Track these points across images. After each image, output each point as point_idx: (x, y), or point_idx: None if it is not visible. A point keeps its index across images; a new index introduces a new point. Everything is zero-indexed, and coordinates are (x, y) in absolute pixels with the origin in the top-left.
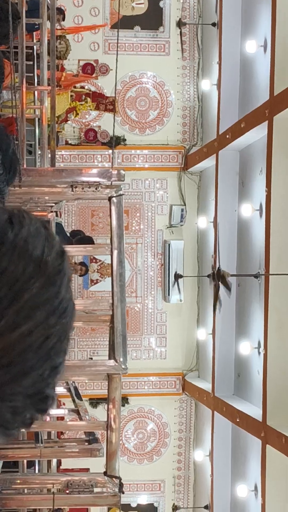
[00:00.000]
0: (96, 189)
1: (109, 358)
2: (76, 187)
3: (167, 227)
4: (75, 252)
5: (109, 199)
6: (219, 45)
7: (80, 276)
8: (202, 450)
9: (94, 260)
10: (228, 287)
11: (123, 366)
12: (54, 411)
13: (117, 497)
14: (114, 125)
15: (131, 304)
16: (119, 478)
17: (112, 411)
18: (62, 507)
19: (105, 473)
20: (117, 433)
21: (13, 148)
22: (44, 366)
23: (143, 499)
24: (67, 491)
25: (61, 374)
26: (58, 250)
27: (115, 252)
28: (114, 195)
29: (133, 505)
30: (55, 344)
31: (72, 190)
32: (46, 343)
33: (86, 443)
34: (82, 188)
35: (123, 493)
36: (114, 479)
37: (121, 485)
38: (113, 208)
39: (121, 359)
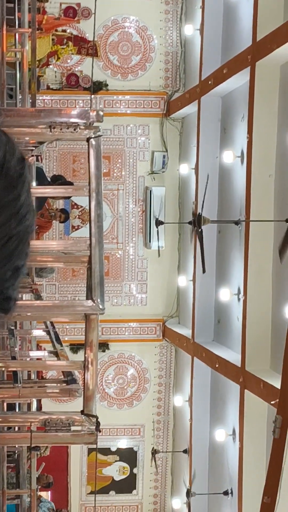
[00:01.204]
0: (74, 129)
1: (87, 299)
2: (54, 128)
3: (149, 174)
4: (55, 193)
5: (88, 140)
6: None
7: (60, 222)
8: (181, 395)
9: (75, 206)
10: (201, 240)
11: (100, 307)
12: (33, 353)
13: (94, 436)
14: (92, 71)
15: (112, 251)
16: (96, 417)
17: (89, 351)
18: (40, 445)
19: (82, 412)
20: (94, 373)
21: None
22: (6, 267)
23: (122, 443)
24: (45, 429)
25: (22, 276)
26: (18, 157)
27: (93, 194)
28: (93, 136)
29: (113, 449)
30: (17, 246)
31: (51, 131)
32: (7, 245)
33: (65, 384)
34: (61, 129)
35: (99, 431)
36: (91, 418)
37: (98, 424)
38: (91, 149)
39: (99, 300)
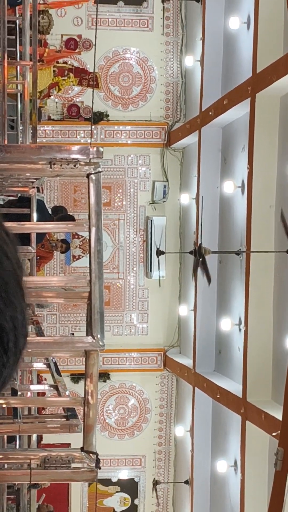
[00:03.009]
0: (74, 166)
1: (87, 335)
2: (54, 164)
3: (150, 203)
4: (55, 229)
5: (88, 176)
6: (203, 21)
7: (61, 253)
8: (183, 425)
9: (76, 236)
10: (207, 273)
11: (100, 343)
12: (34, 387)
13: (93, 473)
14: (92, 101)
15: (113, 280)
16: (96, 453)
17: (89, 387)
18: (40, 482)
19: (82, 449)
20: (94, 409)
21: None
22: None
23: (124, 474)
24: (45, 466)
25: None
26: None
27: (93, 229)
28: (93, 172)
29: (114, 480)
30: None
31: (51, 167)
32: None
33: (65, 419)
34: (61, 165)
35: (99, 468)
36: (91, 454)
37: (97, 461)
38: (91, 185)
39: (99, 336)
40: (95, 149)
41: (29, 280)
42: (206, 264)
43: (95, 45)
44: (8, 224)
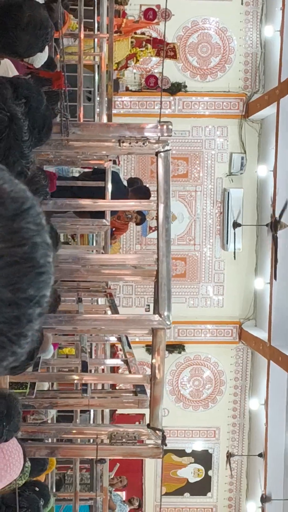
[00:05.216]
0: (143, 144)
1: (154, 313)
2: (123, 142)
3: (227, 175)
4: (123, 207)
5: (156, 154)
6: None
7: (137, 224)
8: (257, 398)
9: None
10: (275, 246)
11: (167, 322)
12: (109, 361)
13: (159, 449)
14: (162, 73)
15: (189, 252)
16: (162, 430)
17: (156, 365)
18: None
19: (148, 426)
20: (161, 386)
21: (46, 104)
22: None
23: (198, 445)
24: (111, 442)
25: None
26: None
27: (161, 207)
28: (161, 150)
29: (188, 451)
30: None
31: (120, 145)
32: None
33: (133, 394)
34: (130, 143)
35: (165, 445)
36: (157, 431)
37: (163, 438)
38: (160, 163)
39: (165, 314)
40: (164, 127)
41: (99, 258)
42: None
43: (164, 19)
44: (82, 202)
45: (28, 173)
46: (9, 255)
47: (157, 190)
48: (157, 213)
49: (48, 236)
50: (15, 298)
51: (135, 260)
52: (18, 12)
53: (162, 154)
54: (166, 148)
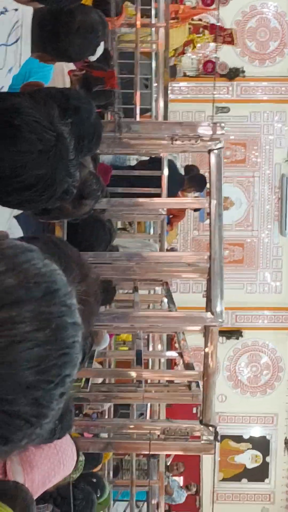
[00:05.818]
0: (196, 142)
1: (206, 310)
2: (176, 140)
3: (286, 161)
4: (175, 204)
5: (209, 152)
6: None
7: (194, 211)
8: None
9: None
10: None
11: (219, 320)
12: (164, 353)
13: (211, 446)
14: (215, 63)
15: (247, 238)
16: (214, 427)
17: (208, 362)
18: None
19: (201, 422)
20: (213, 382)
21: (95, 113)
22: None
23: (255, 432)
24: (164, 438)
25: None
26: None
27: (214, 204)
28: (214, 148)
29: (246, 436)
30: None
31: (172, 143)
32: None
33: (186, 388)
34: (182, 141)
35: (218, 441)
36: (209, 428)
37: (216, 434)
38: (212, 160)
39: (218, 311)
40: (217, 125)
41: (152, 255)
42: None
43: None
44: (139, 200)
45: (74, 191)
46: (34, 338)
47: (210, 188)
48: (210, 211)
49: (78, 315)
50: (35, 381)
51: (189, 258)
52: (69, 17)
53: (215, 151)
54: (219, 145)
